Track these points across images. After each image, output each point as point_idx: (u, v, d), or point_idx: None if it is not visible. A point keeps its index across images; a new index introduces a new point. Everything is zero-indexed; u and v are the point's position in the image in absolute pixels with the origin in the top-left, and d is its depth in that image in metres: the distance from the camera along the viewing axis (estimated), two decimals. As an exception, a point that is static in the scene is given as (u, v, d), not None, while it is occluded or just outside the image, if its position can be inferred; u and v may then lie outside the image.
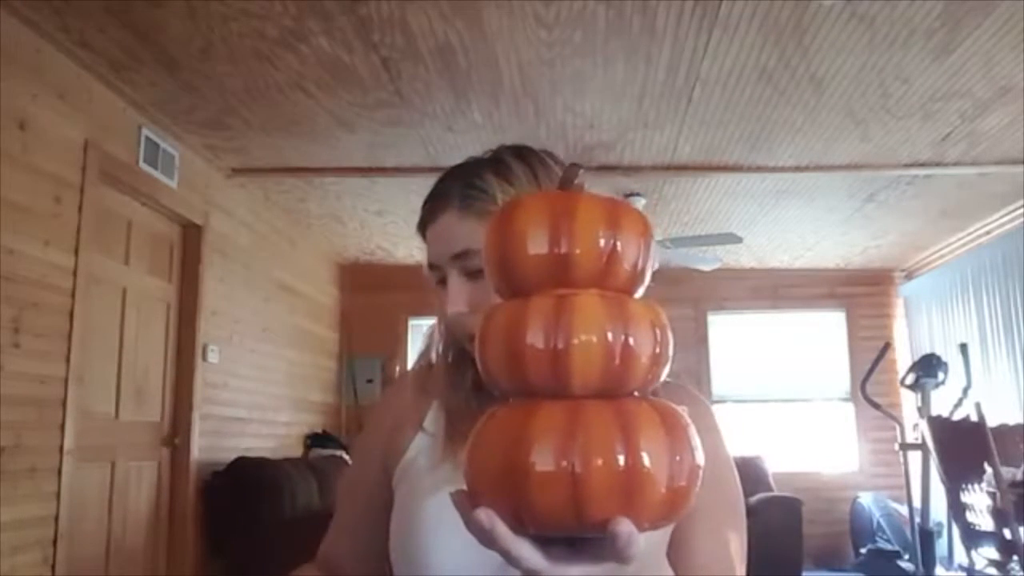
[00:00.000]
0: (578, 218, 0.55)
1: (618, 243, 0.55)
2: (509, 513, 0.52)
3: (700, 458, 0.54)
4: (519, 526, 0.52)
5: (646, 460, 0.50)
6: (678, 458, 0.52)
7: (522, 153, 0.89)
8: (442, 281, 0.86)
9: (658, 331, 0.55)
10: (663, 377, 0.56)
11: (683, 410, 0.55)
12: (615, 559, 0.51)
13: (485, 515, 0.51)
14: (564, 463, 0.50)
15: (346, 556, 0.94)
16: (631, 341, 0.53)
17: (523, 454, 0.50)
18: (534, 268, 0.55)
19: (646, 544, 0.52)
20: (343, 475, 1.00)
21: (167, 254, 4.06)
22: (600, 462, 0.49)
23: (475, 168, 0.87)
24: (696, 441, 0.54)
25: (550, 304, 0.53)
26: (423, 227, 0.89)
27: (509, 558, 0.52)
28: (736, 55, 3.12)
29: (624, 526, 0.49)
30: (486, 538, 0.52)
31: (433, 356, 0.92)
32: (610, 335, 0.52)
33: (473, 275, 0.84)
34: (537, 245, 0.55)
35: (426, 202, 0.89)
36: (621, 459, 0.50)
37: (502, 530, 0.51)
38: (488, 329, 0.56)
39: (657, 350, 0.54)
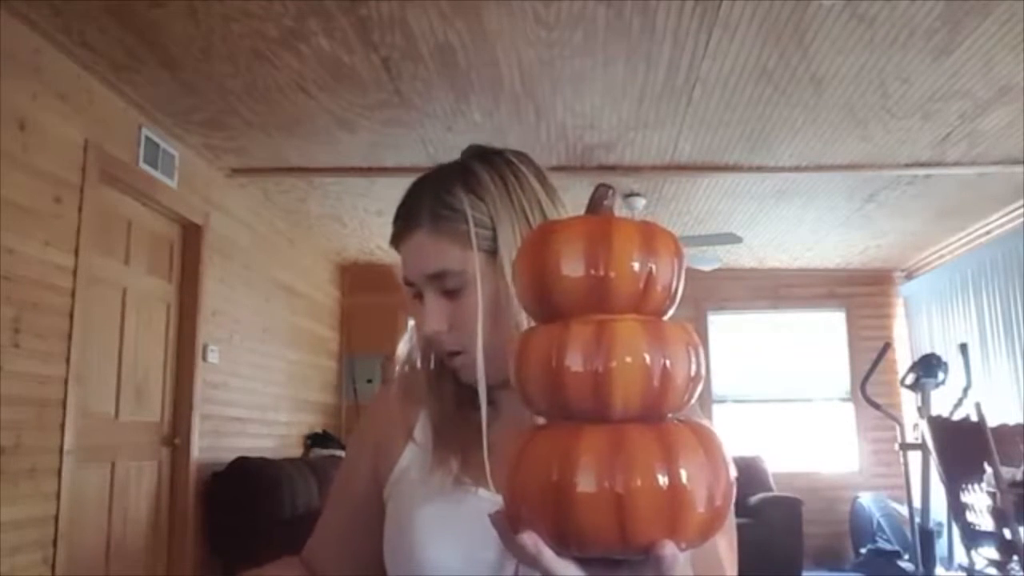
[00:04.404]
0: (614, 244, 0.55)
1: (653, 267, 0.56)
2: (551, 534, 0.53)
3: (733, 474, 0.55)
4: (561, 547, 0.53)
5: (688, 483, 0.52)
6: (716, 479, 0.53)
7: (491, 160, 0.87)
8: (418, 295, 0.85)
9: (692, 353, 0.56)
10: (696, 397, 0.57)
11: (709, 424, 0.57)
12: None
13: (530, 539, 0.53)
14: (609, 485, 0.51)
15: (330, 560, 0.94)
16: (668, 365, 0.54)
17: (569, 476, 0.52)
18: (570, 293, 0.56)
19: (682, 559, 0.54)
20: (333, 480, 0.99)
21: (167, 254, 4.06)
22: (645, 485, 0.51)
23: (444, 181, 0.85)
24: (729, 459, 0.55)
25: (590, 330, 0.54)
26: (396, 243, 0.87)
27: None
28: (736, 55, 3.12)
29: (668, 549, 0.51)
30: (530, 561, 0.54)
31: (417, 361, 0.92)
32: (650, 360, 0.53)
33: (450, 294, 0.83)
34: (574, 269, 0.56)
35: (396, 218, 0.86)
36: (664, 482, 0.51)
37: (548, 554, 0.53)
38: (527, 352, 0.57)
39: (692, 372, 0.56)
